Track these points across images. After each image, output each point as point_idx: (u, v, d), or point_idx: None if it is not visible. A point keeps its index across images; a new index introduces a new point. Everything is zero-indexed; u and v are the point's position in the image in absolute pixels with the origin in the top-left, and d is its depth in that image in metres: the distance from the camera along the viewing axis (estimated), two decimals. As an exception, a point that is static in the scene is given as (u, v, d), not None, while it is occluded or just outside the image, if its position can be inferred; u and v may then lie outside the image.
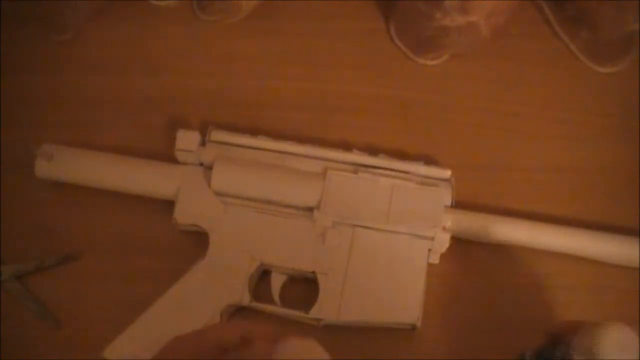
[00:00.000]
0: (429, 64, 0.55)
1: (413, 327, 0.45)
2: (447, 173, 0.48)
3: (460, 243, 0.47)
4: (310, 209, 0.46)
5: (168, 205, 0.46)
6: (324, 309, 0.44)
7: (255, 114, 0.52)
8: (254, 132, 0.48)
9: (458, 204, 0.47)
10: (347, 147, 0.49)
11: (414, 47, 0.55)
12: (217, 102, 0.53)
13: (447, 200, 0.47)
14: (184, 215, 0.46)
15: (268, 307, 0.45)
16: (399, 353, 0.47)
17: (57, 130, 0.51)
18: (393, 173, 0.47)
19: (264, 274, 0.47)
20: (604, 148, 0.53)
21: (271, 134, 0.48)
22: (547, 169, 0.53)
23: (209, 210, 0.45)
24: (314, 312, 0.44)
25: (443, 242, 0.45)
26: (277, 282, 0.46)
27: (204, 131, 0.47)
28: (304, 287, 0.46)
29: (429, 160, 0.49)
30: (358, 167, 0.47)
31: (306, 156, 0.47)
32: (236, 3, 0.54)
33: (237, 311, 0.46)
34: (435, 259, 0.46)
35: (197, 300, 0.44)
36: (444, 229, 0.46)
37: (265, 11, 0.55)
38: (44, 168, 0.47)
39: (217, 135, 0.47)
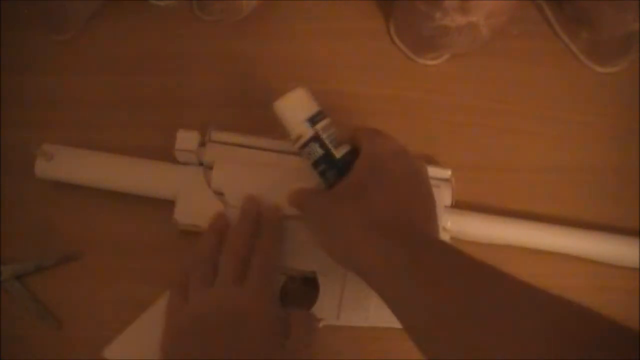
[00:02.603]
0: (429, 64, 0.55)
1: (413, 327, 0.45)
2: (447, 173, 0.48)
3: (460, 243, 0.47)
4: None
5: (168, 205, 0.46)
6: (324, 309, 0.44)
7: (255, 114, 0.52)
8: (254, 132, 0.48)
9: (458, 204, 0.47)
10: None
11: (414, 47, 0.55)
12: (217, 102, 0.53)
13: (447, 200, 0.47)
14: (184, 215, 0.46)
15: (268, 307, 0.45)
16: (399, 353, 0.47)
17: (57, 130, 0.51)
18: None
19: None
20: (604, 148, 0.53)
21: (271, 133, 0.48)
22: (547, 169, 0.53)
23: (209, 210, 0.45)
24: (314, 312, 0.44)
25: (443, 242, 0.45)
26: (277, 282, 0.46)
27: (204, 131, 0.47)
28: (304, 287, 0.47)
29: (429, 160, 0.50)
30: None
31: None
32: (236, 3, 0.54)
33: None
34: (435, 259, 0.46)
35: (197, 300, 0.44)
36: (443, 229, 0.46)
37: (265, 11, 0.55)
38: (44, 168, 0.47)
39: (217, 135, 0.47)
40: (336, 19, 0.56)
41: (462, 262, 0.33)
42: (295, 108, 0.42)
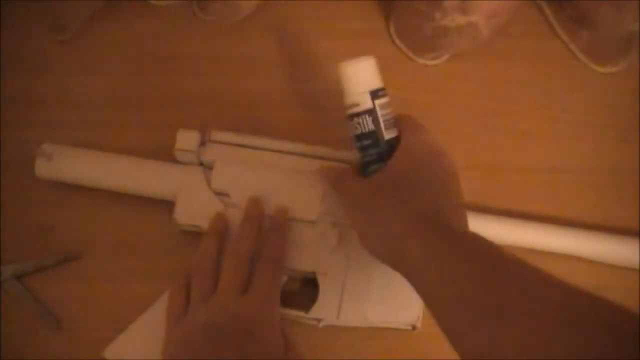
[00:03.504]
0: (429, 64, 0.55)
1: (413, 327, 0.45)
2: (447, 173, 0.48)
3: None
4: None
5: (168, 205, 0.46)
6: (324, 309, 0.44)
7: (255, 114, 0.52)
8: (254, 132, 0.48)
9: (458, 204, 0.47)
10: (347, 146, 0.49)
11: (414, 47, 0.55)
12: (217, 102, 0.53)
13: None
14: (184, 215, 0.46)
15: (268, 307, 0.45)
16: (399, 352, 0.47)
17: (57, 130, 0.51)
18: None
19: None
20: (604, 148, 0.53)
21: (271, 133, 0.48)
22: (547, 169, 0.53)
23: (209, 211, 0.45)
24: (314, 312, 0.44)
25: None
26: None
27: (204, 131, 0.47)
28: (304, 287, 0.47)
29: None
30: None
31: (306, 156, 0.47)
32: (236, 3, 0.54)
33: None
34: (435, 259, 0.46)
35: (197, 300, 0.44)
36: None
37: (265, 11, 0.55)
38: (44, 168, 0.47)
39: (217, 135, 0.47)
40: (336, 19, 0.56)
41: (501, 258, 0.33)
42: (362, 75, 0.41)
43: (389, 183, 0.39)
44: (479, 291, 0.31)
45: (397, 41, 0.55)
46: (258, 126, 0.50)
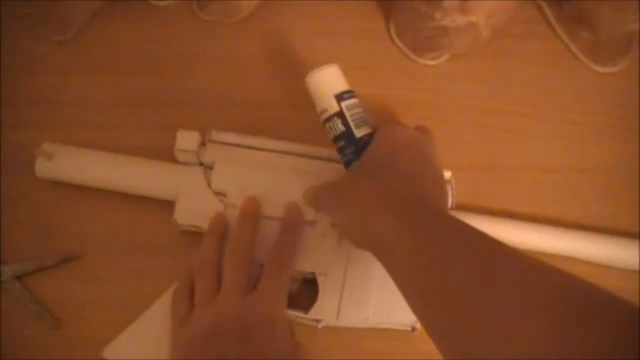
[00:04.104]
0: (429, 64, 0.55)
1: (413, 329, 0.45)
2: (447, 174, 0.48)
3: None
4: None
5: (168, 205, 0.46)
6: (323, 310, 0.44)
7: (255, 114, 0.52)
8: (254, 132, 0.48)
9: (458, 205, 0.47)
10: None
11: (414, 47, 0.55)
12: (217, 102, 0.53)
13: (448, 202, 0.47)
14: (184, 215, 0.46)
15: (268, 307, 0.45)
16: (399, 353, 0.47)
17: (57, 130, 0.51)
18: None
19: (263, 274, 0.47)
20: (604, 148, 0.53)
21: (271, 133, 0.48)
22: (547, 169, 0.53)
23: (209, 211, 0.45)
24: (313, 313, 0.44)
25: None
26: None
27: (204, 131, 0.47)
28: (303, 288, 0.47)
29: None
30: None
31: (306, 156, 0.47)
32: (236, 3, 0.54)
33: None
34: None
35: (197, 301, 0.44)
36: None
37: (265, 11, 0.55)
38: (44, 168, 0.47)
39: (217, 135, 0.47)
40: (336, 19, 0.56)
41: (474, 239, 0.33)
42: (325, 82, 0.43)
43: (363, 172, 0.40)
44: (455, 273, 0.31)
45: (397, 41, 0.55)
46: (258, 126, 0.50)
